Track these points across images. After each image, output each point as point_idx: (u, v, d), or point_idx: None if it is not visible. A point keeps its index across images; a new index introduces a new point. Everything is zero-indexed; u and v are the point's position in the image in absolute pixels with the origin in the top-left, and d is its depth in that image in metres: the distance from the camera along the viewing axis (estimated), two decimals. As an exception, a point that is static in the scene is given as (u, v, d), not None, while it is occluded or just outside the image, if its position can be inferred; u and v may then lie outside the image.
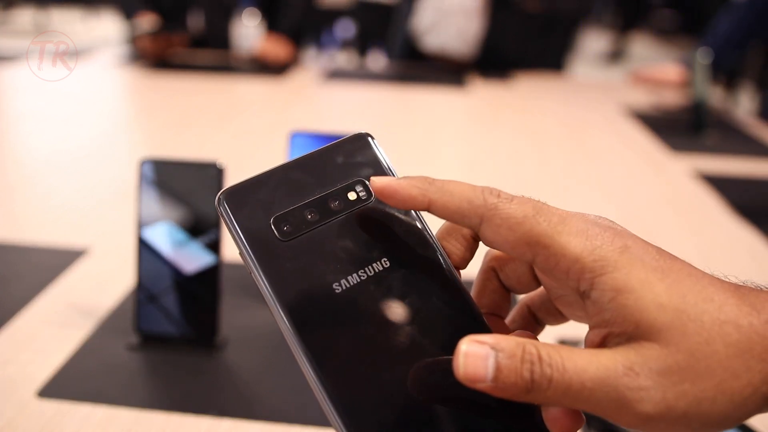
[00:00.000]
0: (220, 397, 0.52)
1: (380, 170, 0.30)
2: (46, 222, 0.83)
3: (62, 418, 0.49)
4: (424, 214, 0.30)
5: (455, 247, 0.30)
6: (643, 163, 1.20)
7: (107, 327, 0.60)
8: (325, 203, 0.29)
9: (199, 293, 0.56)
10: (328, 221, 0.29)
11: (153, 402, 0.51)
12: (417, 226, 0.29)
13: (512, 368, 0.23)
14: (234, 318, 0.61)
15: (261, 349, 0.57)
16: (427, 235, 0.29)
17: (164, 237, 0.56)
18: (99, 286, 0.67)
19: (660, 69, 1.70)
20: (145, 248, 0.56)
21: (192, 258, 0.55)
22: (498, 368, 0.23)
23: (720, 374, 0.22)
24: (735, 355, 0.22)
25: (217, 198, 0.28)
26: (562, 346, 0.24)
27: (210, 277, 0.55)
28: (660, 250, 0.25)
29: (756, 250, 0.84)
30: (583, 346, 0.26)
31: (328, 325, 0.26)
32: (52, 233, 0.80)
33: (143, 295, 0.56)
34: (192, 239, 0.55)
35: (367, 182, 0.30)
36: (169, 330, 0.56)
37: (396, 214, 0.29)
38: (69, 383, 0.52)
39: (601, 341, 0.24)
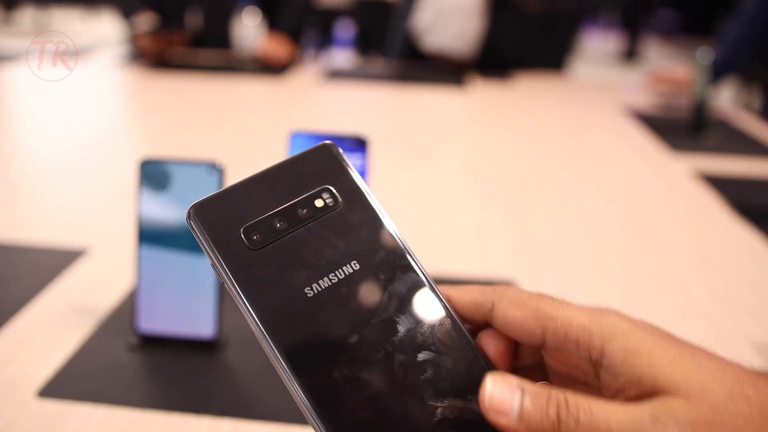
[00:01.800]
0: (220, 397, 0.52)
1: (346, 177, 0.31)
2: (46, 222, 0.83)
3: (62, 418, 0.49)
4: (392, 218, 0.31)
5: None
6: (643, 163, 1.20)
7: (107, 327, 0.60)
8: (293, 211, 0.30)
9: (199, 293, 0.56)
10: (297, 228, 0.29)
11: (153, 402, 0.51)
12: (384, 228, 0.30)
13: (538, 406, 0.23)
14: (234, 318, 0.61)
15: (261, 349, 0.57)
16: (394, 236, 0.30)
17: (164, 237, 0.56)
18: (99, 286, 0.67)
19: (678, 69, 1.69)
20: (144, 248, 0.56)
21: (192, 258, 0.55)
22: (523, 406, 0.23)
23: (748, 430, 0.22)
24: (760, 415, 0.22)
25: (186, 212, 0.29)
26: (587, 395, 0.24)
27: (210, 276, 0.55)
28: (668, 333, 0.26)
29: (756, 250, 0.84)
30: None
31: (302, 329, 0.27)
32: (52, 233, 0.80)
33: (143, 295, 0.56)
34: (192, 239, 0.55)
35: (333, 189, 0.30)
36: (169, 330, 0.56)
37: (363, 218, 0.30)
38: (69, 383, 0.52)
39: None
